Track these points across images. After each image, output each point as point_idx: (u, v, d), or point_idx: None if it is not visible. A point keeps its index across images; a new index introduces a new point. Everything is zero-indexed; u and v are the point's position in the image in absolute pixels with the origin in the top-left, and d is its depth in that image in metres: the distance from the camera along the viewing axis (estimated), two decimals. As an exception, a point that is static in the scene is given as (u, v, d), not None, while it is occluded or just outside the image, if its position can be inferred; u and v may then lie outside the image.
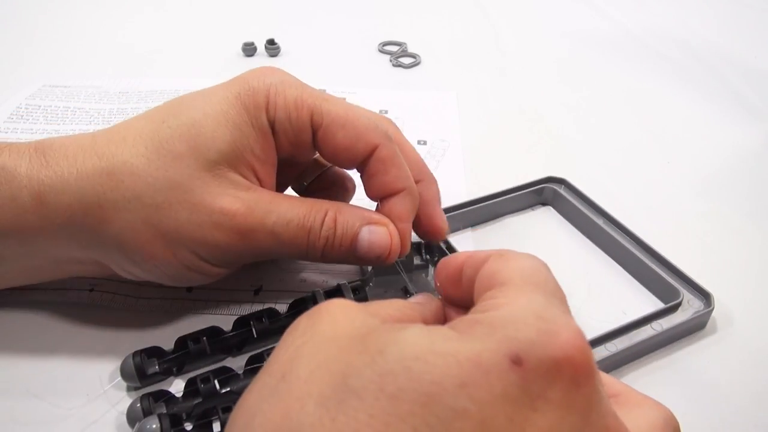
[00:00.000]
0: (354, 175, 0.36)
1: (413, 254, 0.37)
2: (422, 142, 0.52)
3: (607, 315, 0.35)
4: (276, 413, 0.17)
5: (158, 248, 0.29)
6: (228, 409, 0.28)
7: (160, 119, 0.30)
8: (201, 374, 0.30)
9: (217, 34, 0.72)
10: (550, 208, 0.44)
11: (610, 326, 0.32)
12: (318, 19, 0.78)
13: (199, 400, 0.29)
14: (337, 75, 0.64)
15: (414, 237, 0.33)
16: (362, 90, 0.60)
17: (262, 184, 0.31)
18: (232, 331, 0.32)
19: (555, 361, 0.17)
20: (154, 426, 0.27)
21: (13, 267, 0.31)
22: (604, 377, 0.23)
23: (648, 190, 0.47)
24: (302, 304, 0.33)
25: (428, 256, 0.38)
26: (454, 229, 0.41)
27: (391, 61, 0.67)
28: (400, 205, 0.31)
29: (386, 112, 0.57)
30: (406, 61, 0.67)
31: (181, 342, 0.31)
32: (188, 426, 0.28)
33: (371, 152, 0.30)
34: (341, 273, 0.38)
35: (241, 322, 0.33)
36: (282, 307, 0.34)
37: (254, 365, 0.30)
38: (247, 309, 0.35)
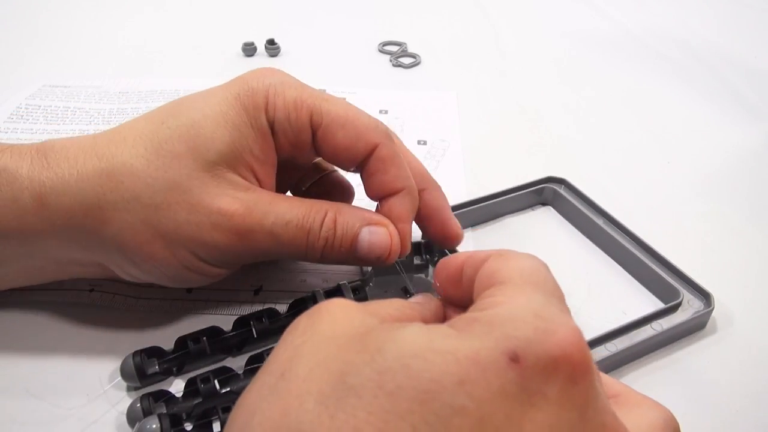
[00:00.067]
0: (353, 179, 0.36)
1: (413, 254, 0.37)
2: (422, 142, 0.52)
3: (607, 315, 0.35)
4: (275, 411, 0.17)
5: (157, 248, 0.29)
6: (228, 409, 0.28)
7: (160, 120, 0.30)
8: (201, 374, 0.30)
9: (217, 34, 0.72)
10: (550, 208, 0.44)
11: (610, 326, 0.32)
12: (318, 19, 0.78)
13: (199, 400, 0.29)
14: (337, 75, 0.64)
15: (414, 237, 0.34)
16: (362, 90, 0.60)
17: (261, 185, 0.31)
18: (232, 331, 0.32)
19: (552, 358, 0.17)
20: (154, 426, 0.27)
21: (14, 268, 0.31)
22: (604, 378, 0.23)
23: (648, 190, 0.47)
24: (302, 304, 0.33)
25: (428, 256, 0.38)
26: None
27: (391, 61, 0.67)
28: (400, 204, 0.31)
29: (386, 112, 0.57)
30: (406, 61, 0.67)
31: (181, 342, 0.31)
32: (188, 426, 0.28)
33: (371, 151, 0.30)
34: (341, 273, 0.38)
35: (241, 322, 0.33)
36: (282, 307, 0.34)
37: (254, 365, 0.30)
38: (247, 309, 0.35)
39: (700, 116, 0.57)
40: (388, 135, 0.31)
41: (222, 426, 0.28)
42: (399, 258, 0.32)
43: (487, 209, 0.42)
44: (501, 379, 0.16)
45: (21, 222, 0.28)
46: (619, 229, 0.40)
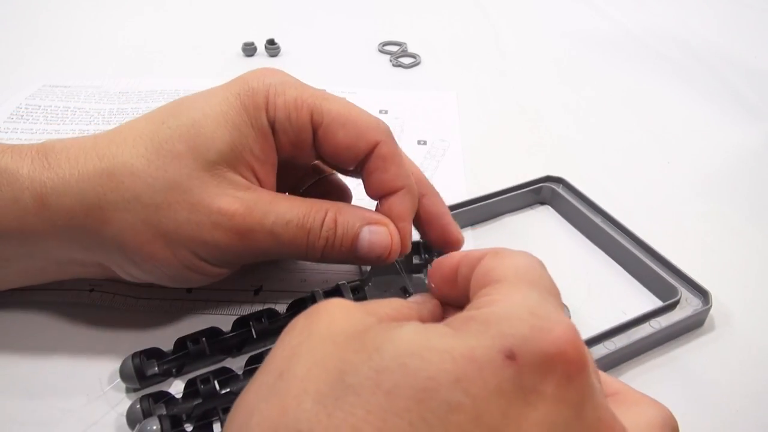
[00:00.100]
0: (350, 181, 0.36)
1: (412, 253, 0.37)
2: (422, 142, 0.52)
3: (605, 313, 0.35)
4: (273, 411, 0.17)
5: (158, 248, 0.29)
6: (228, 410, 0.28)
7: (161, 120, 0.30)
8: (201, 375, 0.30)
9: (217, 34, 0.72)
10: (549, 207, 0.44)
11: (609, 324, 0.32)
12: (318, 19, 0.78)
13: (199, 401, 0.29)
14: (337, 75, 0.64)
15: (413, 236, 0.34)
16: (362, 90, 0.60)
17: (261, 185, 0.31)
18: (231, 331, 0.32)
19: (548, 356, 0.17)
20: (154, 427, 0.27)
21: (15, 268, 0.31)
22: (602, 376, 0.23)
23: (648, 190, 0.47)
24: (301, 305, 0.33)
25: (427, 256, 0.38)
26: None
27: (391, 61, 0.67)
28: (400, 203, 0.31)
29: (386, 112, 0.57)
30: (406, 61, 0.67)
31: (181, 343, 0.31)
32: (188, 427, 0.28)
33: (372, 150, 0.30)
34: (340, 273, 0.38)
35: (241, 323, 0.33)
36: (282, 308, 0.34)
37: (254, 366, 0.30)
38: (246, 309, 0.35)
39: (700, 116, 0.57)
40: (389, 133, 0.31)
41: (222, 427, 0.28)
42: (399, 257, 0.32)
43: (486, 208, 0.42)
44: (497, 376, 0.16)
45: (22, 222, 0.28)
46: (616, 227, 0.40)
